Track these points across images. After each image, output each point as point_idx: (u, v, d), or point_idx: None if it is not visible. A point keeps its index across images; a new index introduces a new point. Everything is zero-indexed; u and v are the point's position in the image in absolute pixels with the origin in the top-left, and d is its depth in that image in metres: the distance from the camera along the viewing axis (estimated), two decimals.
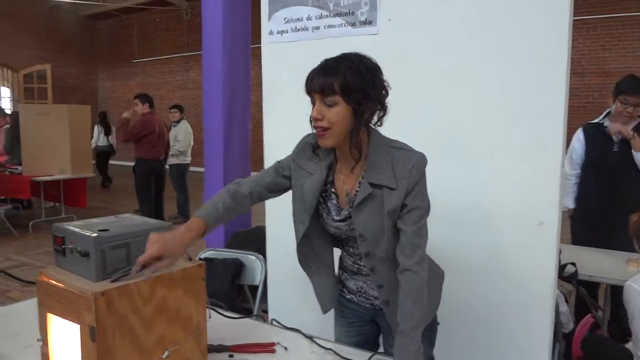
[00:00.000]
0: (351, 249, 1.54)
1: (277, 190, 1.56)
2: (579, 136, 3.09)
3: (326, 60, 1.37)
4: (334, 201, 1.48)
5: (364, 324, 1.66)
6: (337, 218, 1.47)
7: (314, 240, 1.56)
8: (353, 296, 1.64)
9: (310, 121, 1.41)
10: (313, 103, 1.36)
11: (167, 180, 6.78)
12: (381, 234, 1.40)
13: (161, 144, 6.33)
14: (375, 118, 1.40)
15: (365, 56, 1.37)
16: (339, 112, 1.31)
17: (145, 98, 6.19)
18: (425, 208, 1.40)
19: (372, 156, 1.39)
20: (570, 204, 3.17)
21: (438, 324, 1.65)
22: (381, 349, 1.67)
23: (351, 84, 1.30)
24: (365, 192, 1.38)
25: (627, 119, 2.88)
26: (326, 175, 1.46)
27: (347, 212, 1.45)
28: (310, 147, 1.49)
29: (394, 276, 1.41)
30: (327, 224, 1.50)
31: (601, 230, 2.98)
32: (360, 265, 1.54)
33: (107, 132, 10.49)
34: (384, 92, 1.38)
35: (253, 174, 3.71)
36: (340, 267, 1.66)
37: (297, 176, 1.50)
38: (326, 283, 1.63)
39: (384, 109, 1.39)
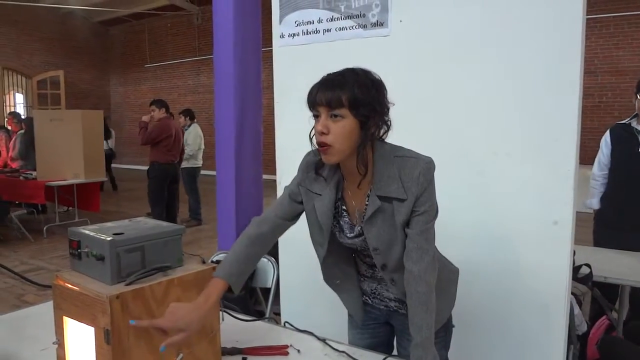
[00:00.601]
0: (367, 258, 1.53)
1: (296, 217, 1.53)
2: (605, 137, 3.07)
3: (329, 75, 1.34)
4: (346, 219, 1.46)
5: (378, 326, 1.66)
6: (351, 235, 1.46)
7: (334, 256, 1.55)
8: (367, 298, 1.64)
9: (310, 139, 1.40)
10: (316, 117, 1.34)
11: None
12: (395, 244, 1.39)
13: (177, 148, 6.42)
14: (379, 135, 1.38)
15: (370, 71, 1.34)
16: (345, 126, 1.28)
17: (161, 103, 6.32)
18: (432, 212, 1.37)
19: (378, 169, 1.36)
20: (596, 204, 3.15)
21: (453, 326, 1.64)
22: (395, 352, 1.67)
23: (359, 98, 1.27)
24: (374, 206, 1.35)
25: None
26: (335, 194, 1.43)
27: (359, 228, 1.43)
28: (313, 167, 1.46)
29: None
30: (342, 242, 1.49)
31: (624, 232, 2.96)
32: (374, 271, 1.54)
33: (107, 137, 10.59)
34: (386, 108, 1.35)
35: (265, 177, 3.74)
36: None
37: (306, 199, 1.48)
38: (354, 294, 1.63)
39: (386, 124, 1.37)
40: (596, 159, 3.13)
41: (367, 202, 1.39)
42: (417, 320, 1.35)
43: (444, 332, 1.58)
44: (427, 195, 1.34)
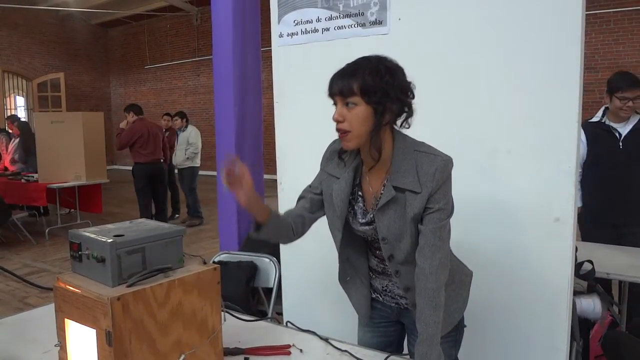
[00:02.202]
0: (377, 251, 1.54)
1: (319, 208, 1.57)
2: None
3: (346, 64, 1.38)
4: (361, 204, 1.49)
5: (389, 325, 1.66)
6: (362, 221, 1.48)
7: (348, 250, 1.57)
8: (379, 295, 1.64)
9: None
10: (335, 105, 1.38)
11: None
12: (403, 237, 1.40)
13: (153, 146, 6.50)
14: (400, 121, 1.40)
15: (387, 58, 1.37)
16: (358, 113, 1.32)
17: (130, 108, 6.59)
18: (447, 210, 1.39)
19: (396, 160, 1.39)
20: (578, 201, 3.16)
21: (465, 326, 1.64)
22: (405, 351, 1.66)
23: (370, 85, 1.30)
24: (388, 196, 1.38)
25: (628, 113, 2.92)
26: (353, 178, 1.47)
27: (371, 215, 1.45)
28: (336, 154, 1.51)
29: None
30: (354, 229, 1.51)
31: (613, 227, 2.99)
32: (385, 265, 1.54)
33: None
34: (408, 93, 1.37)
35: (265, 177, 3.74)
36: None
37: (327, 185, 1.52)
38: (362, 293, 1.64)
39: (409, 110, 1.39)
40: None
41: (382, 191, 1.41)
42: (425, 317, 1.36)
43: (455, 332, 1.59)
44: (442, 192, 1.36)
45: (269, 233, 1.48)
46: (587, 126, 3.07)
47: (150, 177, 6.48)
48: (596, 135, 3.02)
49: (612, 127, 2.97)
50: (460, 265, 1.60)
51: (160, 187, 6.67)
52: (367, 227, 1.47)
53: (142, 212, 6.46)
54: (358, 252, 1.59)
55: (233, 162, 1.35)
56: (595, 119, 3.07)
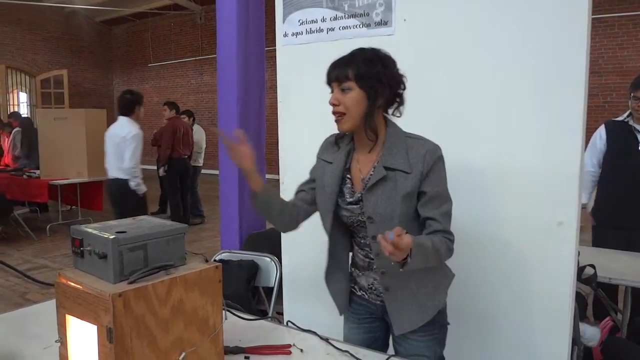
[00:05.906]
0: (362, 240, 1.58)
1: (315, 202, 1.63)
2: (600, 133, 3.09)
3: (343, 55, 1.49)
4: (349, 185, 1.55)
5: (373, 321, 1.68)
6: (350, 200, 1.54)
7: (332, 240, 1.63)
8: (364, 293, 1.66)
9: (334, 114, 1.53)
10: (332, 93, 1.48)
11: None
12: (390, 217, 1.45)
13: (163, 144, 6.74)
14: (391, 109, 1.50)
15: (381, 50, 1.48)
16: (353, 97, 1.43)
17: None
18: (446, 195, 1.46)
19: (388, 143, 1.49)
20: (584, 199, 3.13)
21: (448, 324, 1.65)
22: (390, 350, 1.66)
23: (363, 70, 1.42)
24: (379, 175, 1.45)
25: None
26: (345, 161, 1.55)
27: (359, 195, 1.51)
28: (331, 145, 1.62)
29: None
30: (341, 209, 1.56)
31: (625, 230, 2.96)
32: (371, 260, 1.57)
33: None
34: (400, 83, 1.47)
35: (268, 176, 3.74)
36: (352, 263, 1.69)
37: (321, 170, 1.60)
38: (342, 286, 1.68)
39: (400, 99, 1.49)
40: (586, 155, 3.11)
41: (372, 172, 1.49)
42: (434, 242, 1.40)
43: (438, 330, 1.60)
44: (437, 176, 1.44)
45: (263, 203, 1.58)
46: (610, 124, 3.09)
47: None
48: (616, 133, 3.02)
49: (634, 127, 2.97)
50: (443, 265, 1.61)
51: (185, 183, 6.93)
52: (354, 206, 1.53)
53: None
54: (342, 246, 1.64)
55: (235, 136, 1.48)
56: (619, 119, 3.07)
